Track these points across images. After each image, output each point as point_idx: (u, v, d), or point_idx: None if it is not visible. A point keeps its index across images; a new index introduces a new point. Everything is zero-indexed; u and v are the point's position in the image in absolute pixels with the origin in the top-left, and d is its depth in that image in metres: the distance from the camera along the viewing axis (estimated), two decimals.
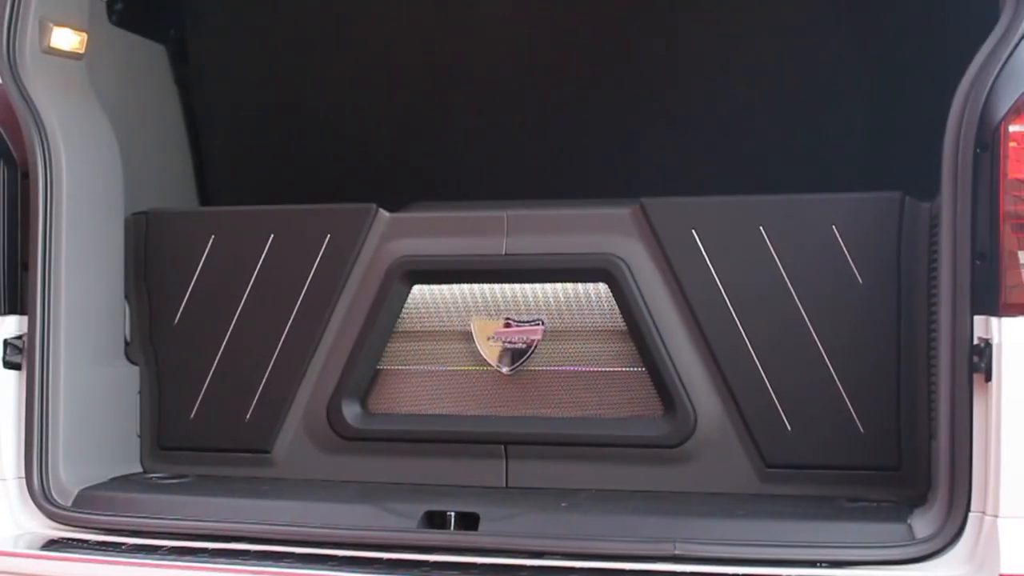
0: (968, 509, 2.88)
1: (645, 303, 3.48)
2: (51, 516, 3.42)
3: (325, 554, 3.15)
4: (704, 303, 3.45)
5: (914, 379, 3.30)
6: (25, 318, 3.47)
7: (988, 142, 2.91)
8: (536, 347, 3.56)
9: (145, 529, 3.35)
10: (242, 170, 4.47)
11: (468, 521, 3.24)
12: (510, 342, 3.58)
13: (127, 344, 3.83)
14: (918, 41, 3.95)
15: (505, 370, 3.59)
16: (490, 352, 3.60)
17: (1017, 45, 2.91)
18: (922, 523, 2.97)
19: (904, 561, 2.90)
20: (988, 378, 2.87)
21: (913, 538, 2.94)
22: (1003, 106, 2.90)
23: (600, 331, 3.56)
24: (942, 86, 3.13)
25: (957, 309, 2.93)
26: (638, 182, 3.69)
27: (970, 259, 2.92)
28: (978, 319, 2.91)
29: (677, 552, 2.98)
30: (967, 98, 2.94)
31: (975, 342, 2.90)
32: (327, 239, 3.69)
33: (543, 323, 3.57)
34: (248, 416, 3.75)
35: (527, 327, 3.57)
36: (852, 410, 3.35)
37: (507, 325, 3.59)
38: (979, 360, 2.89)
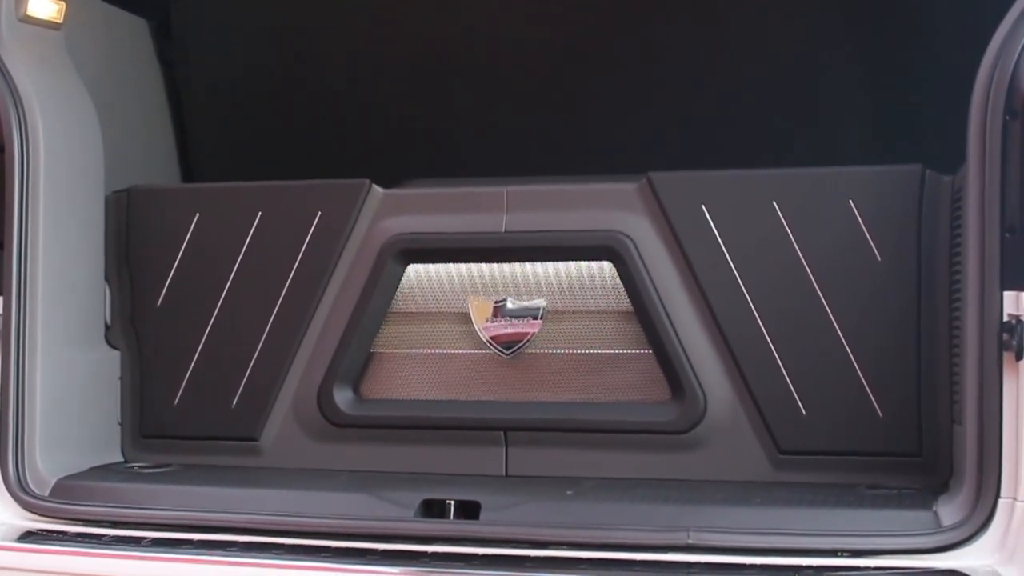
0: (998, 495, 2.75)
1: (652, 282, 3.34)
2: (27, 507, 3.28)
3: (317, 545, 3.01)
4: (714, 282, 3.31)
5: (935, 361, 3.17)
6: None
7: (1018, 109, 2.78)
8: (537, 329, 3.43)
9: (126, 520, 3.21)
10: (227, 147, 4.34)
11: (469, 510, 3.11)
12: (509, 324, 3.44)
13: (107, 328, 3.69)
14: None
15: (504, 353, 3.45)
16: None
17: None
18: (948, 510, 2.83)
19: (931, 550, 2.77)
20: (1019, 356, 2.74)
21: (940, 526, 2.80)
22: None
23: (605, 312, 3.42)
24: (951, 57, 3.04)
25: (985, 285, 2.80)
26: (644, 157, 3.55)
27: (999, 232, 2.79)
28: (1008, 295, 2.78)
29: (691, 541, 2.84)
30: (995, 63, 2.81)
31: (1005, 319, 2.76)
32: (318, 216, 3.55)
33: (544, 304, 3.43)
34: (234, 403, 3.61)
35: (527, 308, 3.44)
36: (870, 394, 3.21)
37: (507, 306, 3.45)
38: (1009, 338, 2.75)
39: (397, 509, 3.12)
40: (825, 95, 3.89)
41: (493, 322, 3.45)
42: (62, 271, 3.45)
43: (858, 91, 3.88)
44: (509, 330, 3.45)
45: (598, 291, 3.43)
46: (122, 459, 3.69)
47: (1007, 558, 2.71)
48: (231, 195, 3.67)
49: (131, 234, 3.71)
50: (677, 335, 3.33)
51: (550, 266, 3.45)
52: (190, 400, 3.66)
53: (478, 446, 3.46)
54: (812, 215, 3.26)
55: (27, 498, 3.29)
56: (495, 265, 3.48)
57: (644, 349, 3.39)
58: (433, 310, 3.52)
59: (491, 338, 3.45)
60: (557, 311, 3.44)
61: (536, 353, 3.45)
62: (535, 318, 3.43)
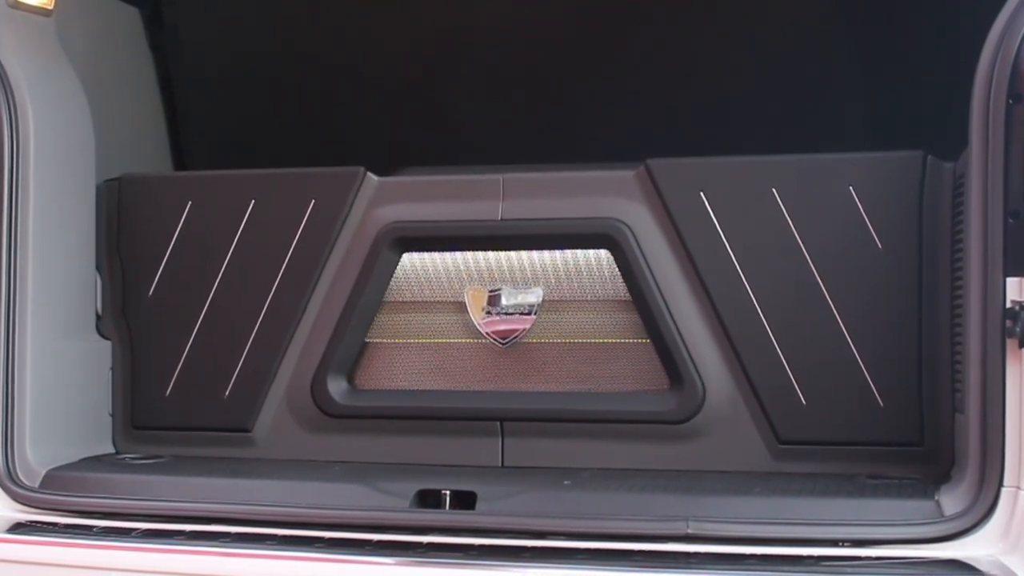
0: (1001, 484, 2.70)
1: (650, 270, 3.31)
2: (17, 498, 3.24)
3: (310, 535, 2.96)
4: (713, 270, 3.27)
5: (937, 349, 3.13)
6: None
7: (1021, 93, 2.74)
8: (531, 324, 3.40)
9: (117, 511, 3.17)
10: (220, 134, 4.31)
11: (464, 500, 3.06)
12: (506, 313, 3.40)
13: (98, 317, 3.65)
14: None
15: (501, 343, 3.41)
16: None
17: None
18: (951, 500, 2.79)
19: (934, 539, 2.73)
20: (1022, 344, 2.69)
21: (942, 515, 2.76)
22: None
23: (602, 301, 3.38)
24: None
25: (988, 272, 2.76)
26: (642, 145, 3.51)
27: (1003, 218, 2.74)
28: (1011, 281, 2.73)
29: (690, 531, 2.80)
30: (998, 46, 2.77)
31: (1008, 306, 2.72)
32: (311, 205, 3.51)
33: (540, 298, 3.39)
34: (227, 393, 3.57)
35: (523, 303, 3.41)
36: (871, 382, 3.18)
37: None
38: (1012, 325, 2.71)
39: (392, 499, 3.07)
40: (825, 81, 3.86)
41: (489, 315, 3.42)
42: (52, 261, 3.41)
43: (858, 77, 3.85)
44: (504, 327, 3.41)
45: (596, 280, 3.39)
46: (113, 450, 3.65)
47: (1010, 547, 2.68)
48: (223, 183, 3.63)
49: (122, 223, 3.67)
50: (675, 324, 3.29)
51: (547, 255, 3.41)
52: (182, 391, 3.62)
53: (474, 436, 3.42)
54: (812, 202, 3.23)
55: (17, 489, 3.24)
56: (491, 253, 3.44)
57: (642, 338, 3.35)
58: (429, 299, 3.48)
59: (487, 330, 3.41)
60: (554, 300, 3.40)
61: (533, 343, 3.41)
62: (531, 313, 3.39)
